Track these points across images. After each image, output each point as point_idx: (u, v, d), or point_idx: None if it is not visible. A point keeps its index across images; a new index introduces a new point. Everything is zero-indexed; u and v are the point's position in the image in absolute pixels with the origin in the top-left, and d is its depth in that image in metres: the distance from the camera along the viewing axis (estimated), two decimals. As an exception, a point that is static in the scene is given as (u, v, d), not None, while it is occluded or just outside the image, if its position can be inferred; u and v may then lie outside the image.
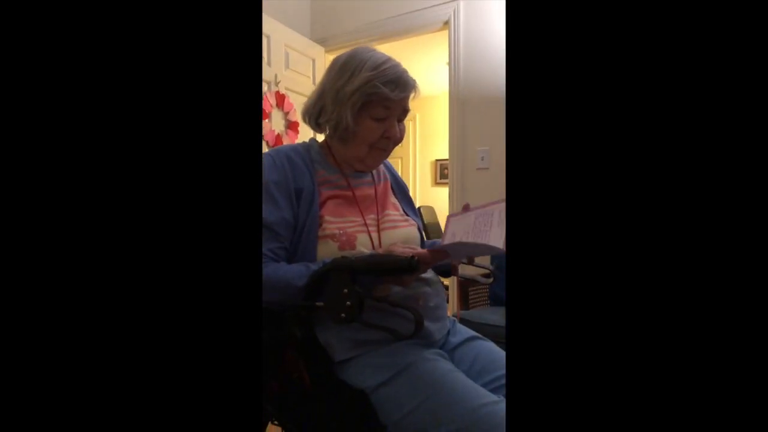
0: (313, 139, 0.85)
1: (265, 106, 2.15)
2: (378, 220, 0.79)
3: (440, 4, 2.25)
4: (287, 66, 2.31)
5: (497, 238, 0.61)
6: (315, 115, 0.79)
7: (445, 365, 0.68)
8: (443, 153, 4.83)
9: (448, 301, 0.85)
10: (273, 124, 2.21)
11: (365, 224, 0.76)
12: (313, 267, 0.67)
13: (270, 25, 2.16)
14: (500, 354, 0.77)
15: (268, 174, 0.72)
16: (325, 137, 0.83)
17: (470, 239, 0.66)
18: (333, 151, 0.81)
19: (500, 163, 2.15)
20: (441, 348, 0.77)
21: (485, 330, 1.58)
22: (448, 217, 0.81)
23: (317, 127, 0.81)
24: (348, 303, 0.60)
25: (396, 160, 5.18)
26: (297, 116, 2.26)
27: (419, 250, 0.66)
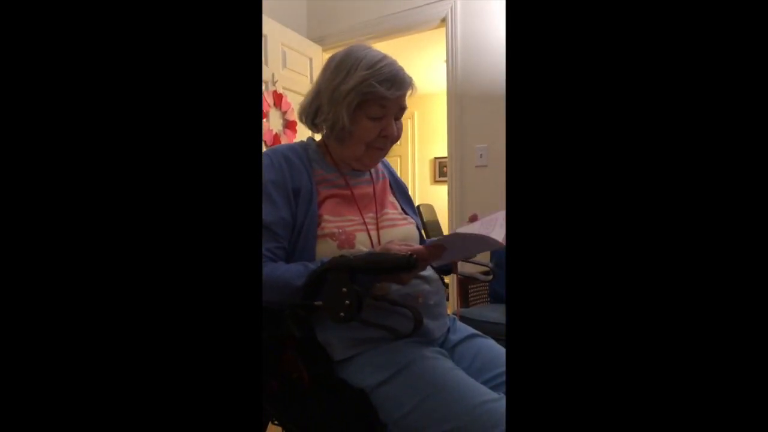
0: (310, 138, 0.85)
1: (263, 105, 2.14)
2: (377, 219, 0.79)
3: (437, 2, 2.25)
4: (284, 65, 2.30)
5: (497, 235, 0.61)
6: (311, 115, 0.79)
7: (445, 363, 0.68)
8: (442, 151, 4.82)
9: (448, 299, 0.85)
10: (271, 124, 2.21)
11: (364, 223, 0.76)
12: (312, 266, 0.67)
13: (267, 25, 2.16)
14: (500, 351, 0.77)
15: (265, 174, 0.72)
16: (323, 136, 0.83)
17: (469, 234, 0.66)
18: (330, 150, 0.81)
19: (499, 160, 2.15)
20: (441, 346, 0.77)
21: (485, 327, 1.58)
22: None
23: (314, 127, 0.80)
24: (347, 302, 0.60)
25: (395, 158, 5.18)
26: (294, 115, 2.25)
27: (416, 247, 0.66)
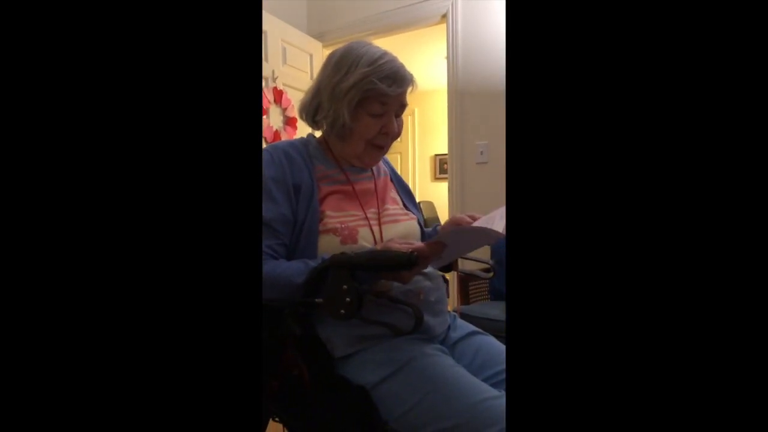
0: (311, 135, 0.84)
1: (263, 102, 2.14)
2: (378, 214, 0.79)
3: (438, -2, 2.24)
4: (284, 62, 2.30)
5: (498, 227, 0.61)
6: (312, 112, 0.79)
7: (445, 360, 0.68)
8: (442, 148, 4.82)
9: (448, 296, 0.85)
10: (271, 120, 2.20)
11: (366, 218, 0.76)
12: (313, 264, 0.67)
13: (267, 21, 2.15)
14: (501, 349, 0.77)
15: (265, 170, 0.72)
16: (323, 133, 0.83)
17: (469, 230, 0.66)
18: (331, 147, 0.81)
19: (500, 157, 2.14)
20: (441, 343, 0.77)
21: (486, 325, 1.58)
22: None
23: (314, 124, 0.80)
24: (347, 299, 0.60)
25: (395, 155, 5.17)
26: (295, 112, 2.24)
27: (417, 244, 0.65)
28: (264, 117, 2.16)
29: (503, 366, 0.73)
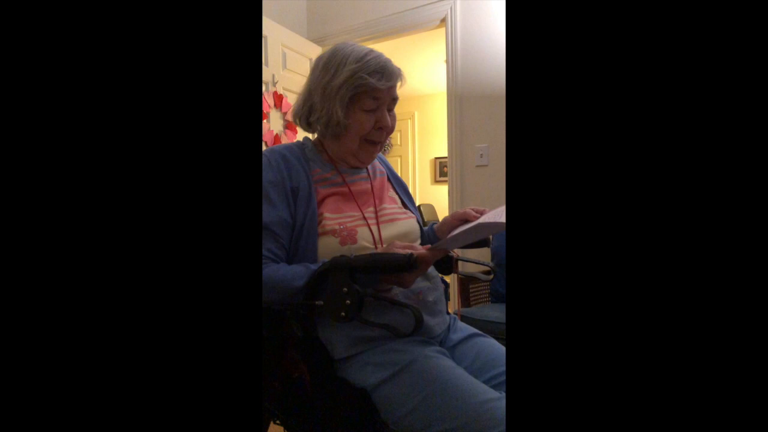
0: (306, 138, 0.85)
1: (263, 106, 2.15)
2: (376, 214, 0.79)
3: (437, 2, 2.25)
4: (284, 66, 2.31)
5: (501, 218, 0.61)
6: (305, 114, 0.80)
7: (446, 362, 0.68)
8: (442, 151, 4.83)
9: (449, 299, 0.85)
10: (271, 125, 2.21)
11: (364, 218, 0.77)
12: (313, 267, 0.67)
13: (267, 26, 2.16)
14: (501, 350, 0.77)
15: (263, 174, 0.73)
16: (318, 135, 0.84)
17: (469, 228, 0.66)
18: (326, 147, 0.82)
19: (499, 159, 2.15)
20: (441, 344, 0.77)
21: (486, 327, 1.58)
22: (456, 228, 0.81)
23: (308, 126, 0.81)
24: (347, 301, 0.60)
25: (395, 158, 5.18)
26: (295, 116, 2.25)
27: (419, 249, 0.66)
28: (264, 121, 2.16)
29: (504, 368, 0.73)
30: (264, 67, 2.16)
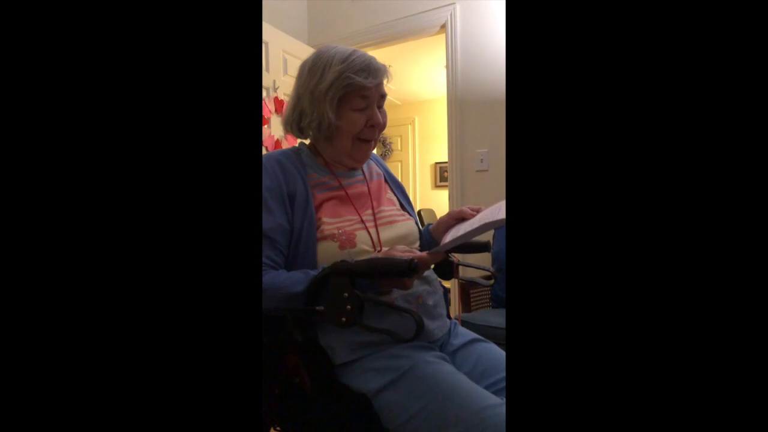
0: (302, 143, 0.85)
1: (264, 111, 2.15)
2: (374, 216, 0.79)
3: (437, 8, 2.26)
4: (285, 72, 2.31)
5: (503, 216, 0.61)
6: (296, 121, 0.80)
7: (447, 368, 0.67)
8: (442, 156, 4.83)
9: (449, 304, 0.84)
10: (272, 130, 2.21)
11: (362, 221, 0.77)
12: (313, 273, 0.67)
13: (268, 32, 2.17)
14: (502, 356, 0.77)
15: None
16: (311, 140, 0.84)
17: (468, 228, 0.66)
18: (321, 151, 0.82)
19: (500, 164, 2.15)
20: (442, 349, 0.77)
21: (487, 332, 1.57)
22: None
23: (300, 132, 0.82)
24: (348, 307, 0.60)
25: (395, 163, 5.19)
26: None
27: (418, 253, 0.66)
28: (265, 126, 2.17)
29: (505, 373, 0.73)
30: (265, 72, 2.17)
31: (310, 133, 0.80)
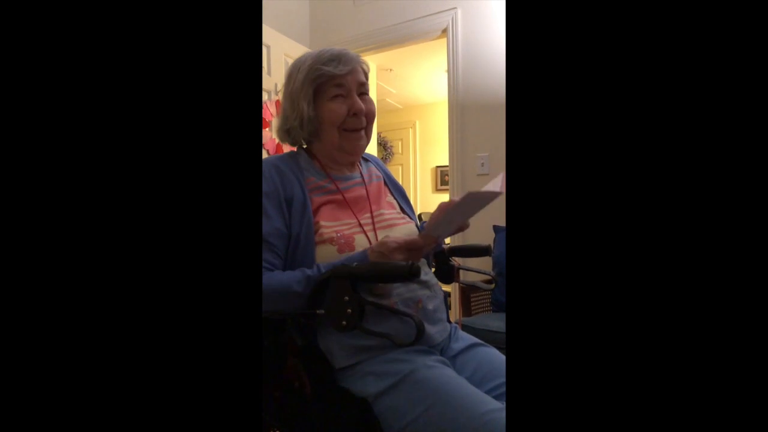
0: (299, 147, 0.86)
1: (266, 115, 2.16)
2: (372, 219, 0.79)
3: (438, 13, 2.27)
4: (287, 75, 2.32)
5: (493, 188, 0.59)
6: (282, 127, 0.82)
7: (447, 372, 0.67)
8: (443, 159, 4.84)
9: (450, 308, 0.84)
10: (273, 133, 2.22)
11: (360, 225, 0.76)
12: (309, 272, 0.67)
13: (270, 35, 2.18)
14: (503, 360, 0.77)
15: None
16: (304, 142, 0.85)
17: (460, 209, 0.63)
18: (315, 152, 0.82)
19: (500, 168, 2.15)
20: (442, 353, 0.77)
21: (488, 336, 1.57)
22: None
23: (287, 135, 0.83)
24: (348, 310, 0.60)
25: (396, 167, 5.19)
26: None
27: (409, 238, 0.66)
28: (266, 130, 2.17)
29: (505, 378, 0.72)
30: (267, 76, 2.17)
31: (298, 134, 0.81)
